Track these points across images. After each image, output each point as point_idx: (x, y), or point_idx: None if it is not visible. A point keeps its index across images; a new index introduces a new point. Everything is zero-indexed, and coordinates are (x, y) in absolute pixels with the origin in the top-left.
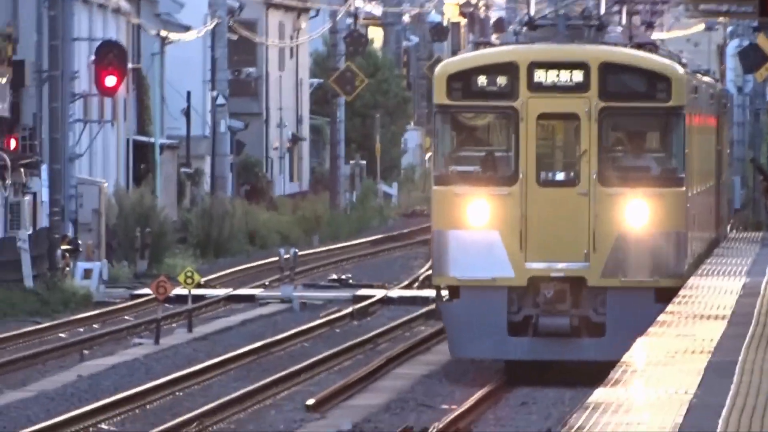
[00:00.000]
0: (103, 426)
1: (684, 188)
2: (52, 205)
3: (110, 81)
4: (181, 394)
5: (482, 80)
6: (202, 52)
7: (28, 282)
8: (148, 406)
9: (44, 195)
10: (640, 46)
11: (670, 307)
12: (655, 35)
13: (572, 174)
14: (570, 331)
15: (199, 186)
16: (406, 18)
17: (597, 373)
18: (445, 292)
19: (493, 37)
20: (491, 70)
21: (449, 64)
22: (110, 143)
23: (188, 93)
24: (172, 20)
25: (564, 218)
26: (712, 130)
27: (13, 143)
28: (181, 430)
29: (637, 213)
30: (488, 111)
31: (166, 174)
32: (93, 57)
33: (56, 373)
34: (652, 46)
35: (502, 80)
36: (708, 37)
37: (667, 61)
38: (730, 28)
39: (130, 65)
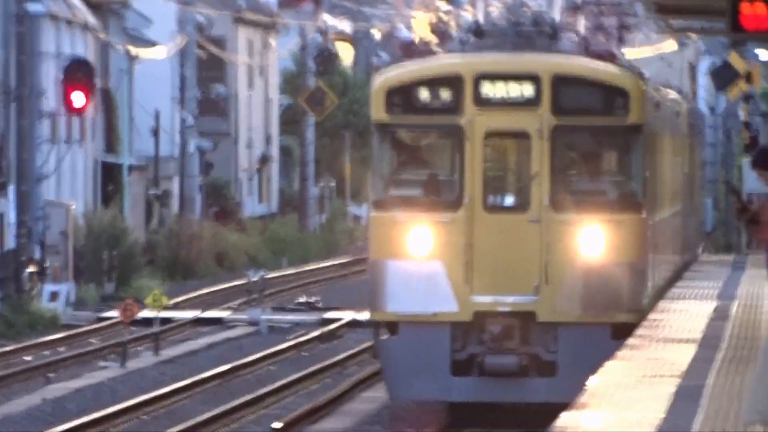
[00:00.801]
0: None
1: (643, 214)
2: (19, 227)
3: (78, 100)
4: (146, 417)
5: (424, 95)
6: (170, 68)
7: None
8: (113, 430)
9: (11, 216)
10: (597, 57)
11: (639, 331)
12: (627, 52)
13: (522, 199)
14: (518, 370)
15: (167, 207)
16: (376, 35)
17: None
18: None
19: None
20: (434, 83)
21: (388, 77)
22: (78, 164)
23: (157, 113)
24: (140, 36)
25: (513, 247)
26: (678, 151)
27: None
28: None
29: (593, 242)
30: (430, 129)
31: (133, 195)
32: (61, 74)
33: (21, 397)
34: (610, 56)
35: (446, 94)
36: (680, 56)
37: (625, 74)
38: (703, 47)
39: (98, 83)
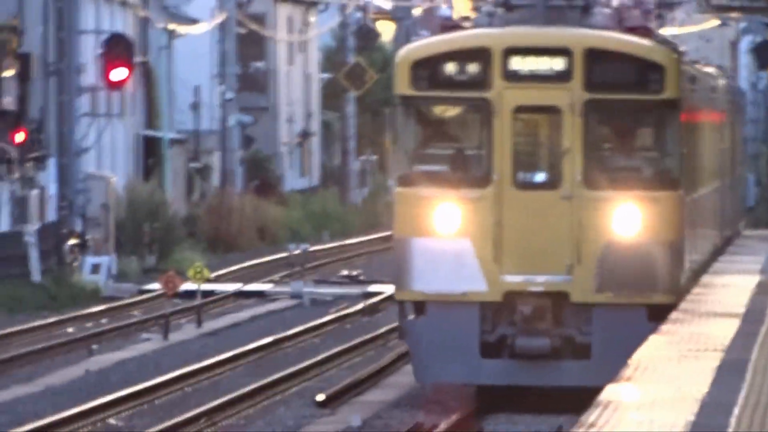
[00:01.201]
0: (112, 421)
1: (680, 191)
2: (60, 200)
3: (118, 75)
4: (190, 389)
5: (451, 68)
6: (210, 45)
7: (36, 277)
8: (156, 402)
9: (52, 189)
10: (630, 31)
11: (683, 305)
12: (668, 30)
13: (553, 175)
14: (551, 352)
15: (208, 181)
16: (416, 12)
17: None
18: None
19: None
20: (461, 56)
21: (413, 49)
22: (118, 137)
23: (196, 88)
24: (180, 13)
25: (544, 225)
26: (716, 127)
27: (20, 137)
28: (190, 426)
29: (627, 220)
30: (458, 103)
31: (174, 169)
32: (100, 50)
33: (64, 368)
34: (644, 31)
35: (473, 68)
36: (720, 33)
37: (660, 48)
38: (743, 25)
39: (137, 59)
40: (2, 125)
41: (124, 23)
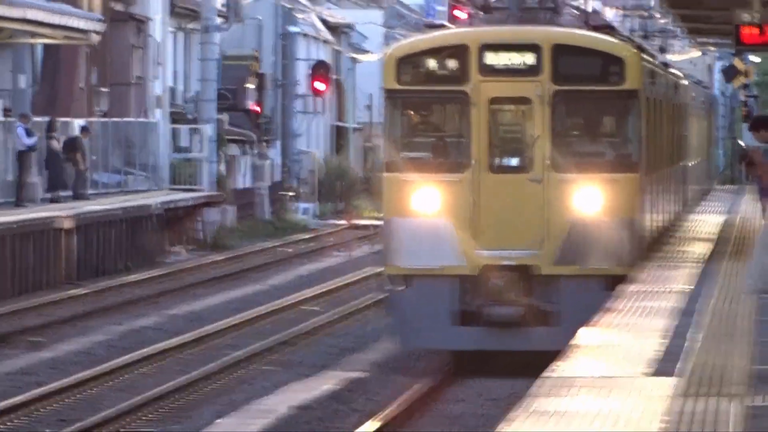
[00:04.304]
0: (314, 308)
1: (638, 174)
2: (282, 167)
3: (320, 86)
4: (363, 288)
5: (432, 64)
6: (379, 67)
7: (267, 216)
8: (337, 294)
9: (277, 160)
10: (595, 29)
11: (676, 234)
12: (667, 57)
13: (525, 160)
14: (521, 320)
15: (376, 154)
16: None
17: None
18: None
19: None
20: (441, 52)
21: (398, 47)
22: (320, 127)
23: (370, 95)
24: (360, 47)
25: (516, 205)
26: (676, 118)
27: (258, 127)
28: (359, 313)
29: (591, 200)
30: (438, 96)
31: (355, 147)
32: (309, 71)
33: (283, 274)
34: (608, 29)
35: (452, 64)
36: (702, 59)
37: (621, 43)
38: (716, 54)
39: (333, 76)
40: (247, 119)
41: (324, 54)
